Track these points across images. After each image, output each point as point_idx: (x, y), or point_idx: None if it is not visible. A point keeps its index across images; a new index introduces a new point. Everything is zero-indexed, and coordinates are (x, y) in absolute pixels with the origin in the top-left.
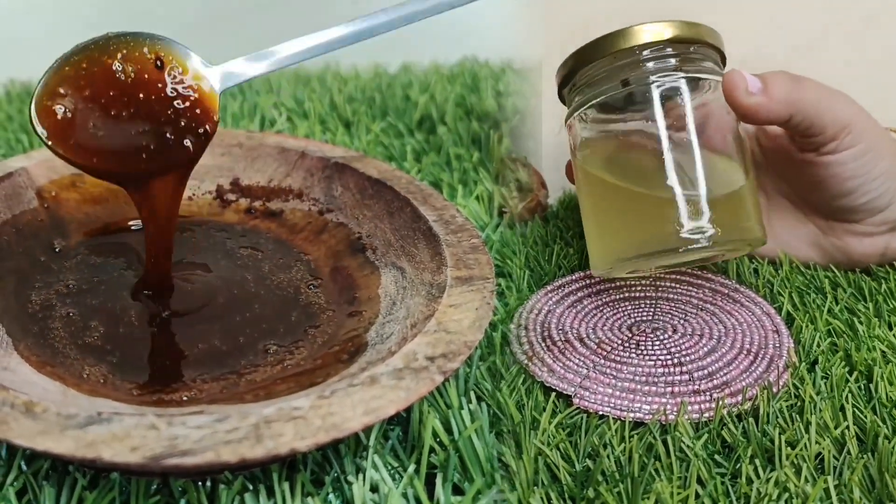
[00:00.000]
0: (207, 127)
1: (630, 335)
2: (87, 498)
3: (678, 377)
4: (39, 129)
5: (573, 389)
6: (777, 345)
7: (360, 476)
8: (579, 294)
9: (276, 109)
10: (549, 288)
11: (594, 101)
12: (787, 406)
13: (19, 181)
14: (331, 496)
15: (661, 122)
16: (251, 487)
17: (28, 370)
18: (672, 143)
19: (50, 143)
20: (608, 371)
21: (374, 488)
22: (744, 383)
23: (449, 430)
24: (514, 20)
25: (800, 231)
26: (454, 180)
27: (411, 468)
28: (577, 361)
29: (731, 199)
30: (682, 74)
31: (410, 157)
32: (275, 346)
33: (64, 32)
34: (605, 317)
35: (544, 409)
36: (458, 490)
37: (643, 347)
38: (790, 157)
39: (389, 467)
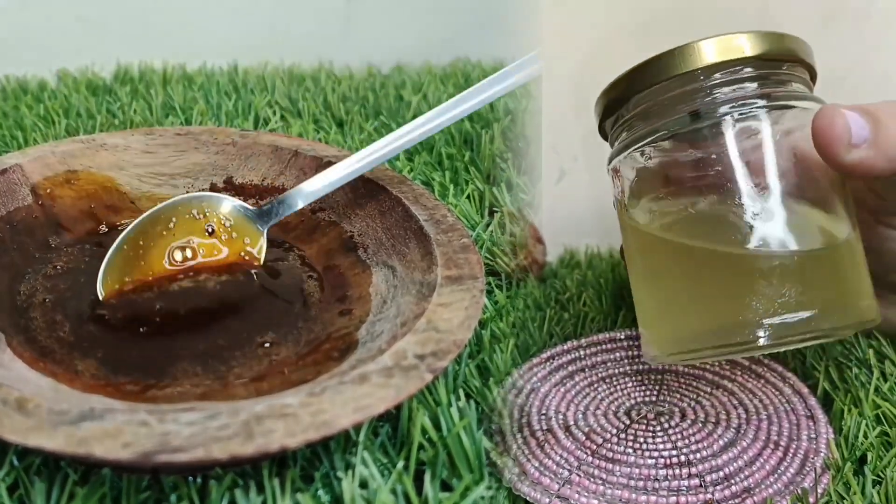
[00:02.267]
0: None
1: (628, 422)
2: (77, 494)
3: (685, 482)
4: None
5: (548, 500)
6: (813, 436)
7: (350, 472)
8: (570, 368)
9: (270, 108)
10: (534, 361)
11: (648, 140)
12: None
13: (14, 178)
14: (320, 492)
15: (737, 165)
16: (241, 483)
17: (21, 366)
18: (750, 190)
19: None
20: (596, 473)
21: (364, 484)
22: (770, 491)
23: (438, 427)
24: (505, 20)
25: None
26: (445, 179)
27: (400, 464)
28: (557, 459)
29: (831, 265)
30: (765, 103)
31: (402, 156)
32: (268, 341)
33: (59, 28)
34: (599, 397)
35: None
36: (446, 486)
37: (642, 439)
38: None
39: (379, 463)
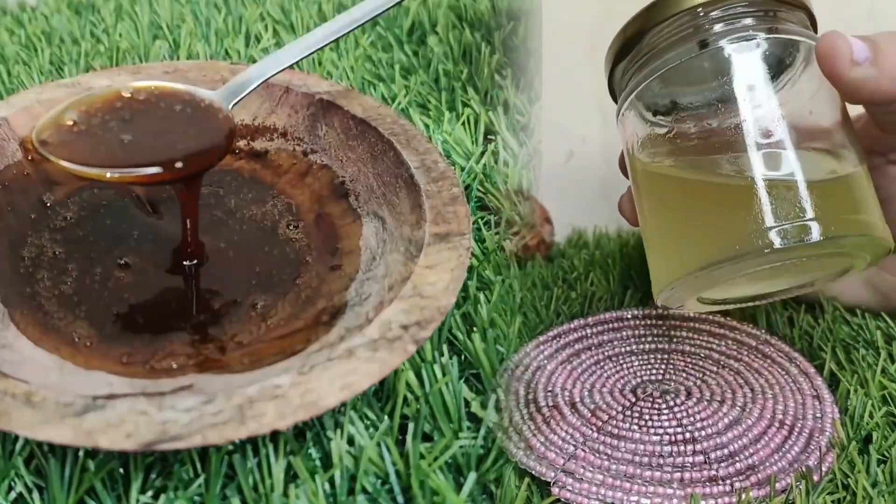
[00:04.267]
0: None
1: (633, 400)
2: (89, 466)
3: (690, 458)
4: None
5: (553, 474)
6: (818, 415)
7: (339, 431)
8: (577, 346)
9: (262, 22)
10: (541, 339)
11: (656, 74)
12: (832, 501)
13: (0, 133)
14: (311, 450)
15: (739, 91)
16: (239, 446)
17: (26, 344)
18: (756, 122)
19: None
20: (601, 448)
21: (351, 441)
22: (775, 468)
23: (421, 382)
24: None
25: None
26: (441, 102)
27: (385, 423)
28: (563, 434)
29: (838, 187)
30: (765, 35)
31: (398, 75)
32: (262, 301)
33: None
34: (605, 375)
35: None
36: (428, 438)
37: (647, 417)
38: None
39: (365, 419)
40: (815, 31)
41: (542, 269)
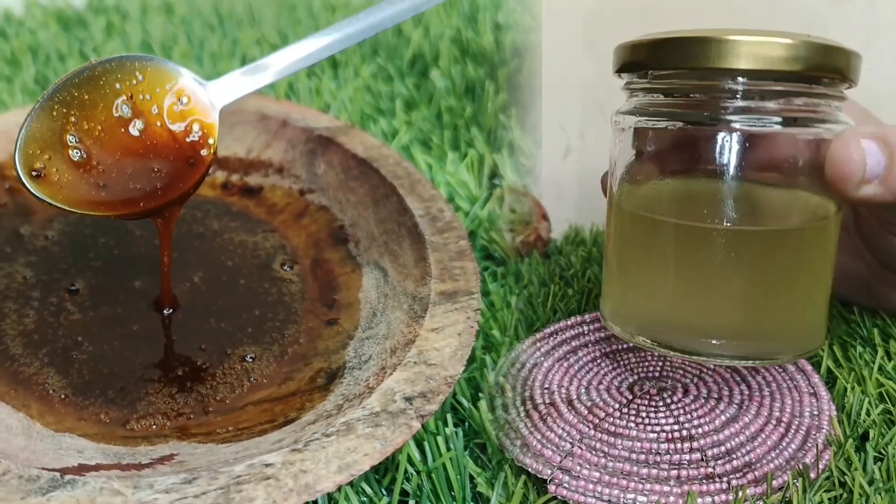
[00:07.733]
0: (204, 151)
1: (630, 397)
2: None
3: (687, 456)
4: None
5: (550, 472)
6: (815, 412)
7: None
8: (574, 343)
9: (259, 46)
10: (538, 336)
11: (663, 120)
12: (828, 499)
13: None
14: None
15: (733, 166)
16: None
17: None
18: (733, 200)
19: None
20: (598, 446)
21: None
22: (771, 466)
23: (424, 455)
24: None
25: (847, 265)
26: (444, 141)
27: (384, 499)
28: (560, 432)
29: (798, 249)
30: (780, 121)
31: (399, 110)
32: (251, 355)
33: None
34: (602, 372)
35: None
36: None
37: (644, 414)
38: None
39: (362, 495)
40: (855, 78)
41: (540, 266)
